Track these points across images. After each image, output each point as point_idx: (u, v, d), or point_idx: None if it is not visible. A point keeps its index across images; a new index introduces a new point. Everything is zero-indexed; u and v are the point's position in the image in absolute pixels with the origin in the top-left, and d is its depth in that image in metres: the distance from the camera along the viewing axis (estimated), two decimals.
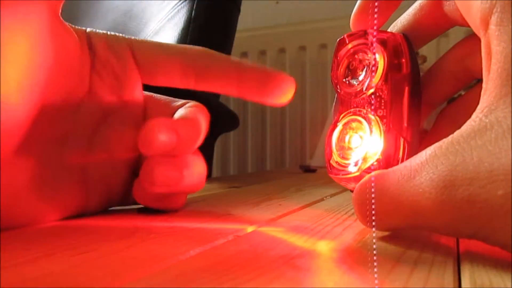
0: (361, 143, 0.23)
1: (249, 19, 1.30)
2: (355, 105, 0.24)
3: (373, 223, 0.19)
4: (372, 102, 0.23)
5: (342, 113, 0.24)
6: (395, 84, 0.22)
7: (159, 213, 0.26)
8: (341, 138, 0.24)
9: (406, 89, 0.22)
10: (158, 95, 0.26)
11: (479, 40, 0.18)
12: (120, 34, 0.24)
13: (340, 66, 0.24)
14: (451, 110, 0.25)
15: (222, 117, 0.71)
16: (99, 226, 0.23)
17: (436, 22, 0.24)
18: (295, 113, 1.29)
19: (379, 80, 0.22)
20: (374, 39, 0.23)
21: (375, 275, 0.14)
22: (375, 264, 0.16)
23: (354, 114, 0.23)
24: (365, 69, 0.23)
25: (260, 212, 0.27)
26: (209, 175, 0.79)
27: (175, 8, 0.73)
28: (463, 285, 0.14)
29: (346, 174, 0.23)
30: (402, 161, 0.22)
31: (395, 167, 0.19)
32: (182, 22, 0.70)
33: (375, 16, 0.23)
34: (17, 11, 0.18)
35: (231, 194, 0.39)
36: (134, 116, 0.25)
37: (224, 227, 0.22)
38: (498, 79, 0.16)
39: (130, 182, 0.26)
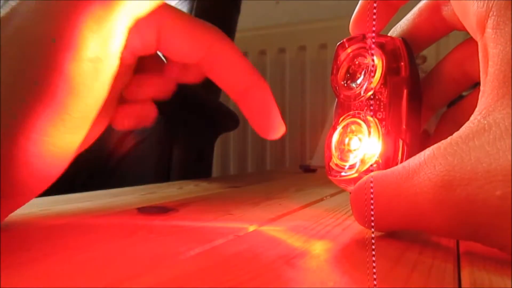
0: (360, 145, 0.23)
1: (249, 19, 1.30)
2: (354, 108, 0.24)
3: (372, 224, 0.19)
4: (371, 104, 0.23)
5: (341, 116, 0.24)
6: (394, 87, 0.23)
7: (159, 213, 0.26)
8: (340, 141, 0.24)
9: (405, 92, 0.23)
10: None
11: (477, 43, 0.18)
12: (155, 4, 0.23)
13: (339, 70, 0.25)
14: (452, 113, 0.25)
15: (222, 117, 0.71)
16: (99, 226, 0.23)
17: (435, 27, 0.24)
18: (295, 113, 1.29)
19: (377, 83, 0.23)
20: (373, 43, 0.23)
21: (375, 276, 0.14)
22: (374, 264, 0.16)
23: (353, 116, 0.24)
24: (363, 72, 0.24)
25: (260, 212, 0.27)
26: (209, 175, 0.79)
27: None
28: (463, 285, 0.14)
29: (344, 176, 0.23)
30: (401, 162, 0.22)
31: (393, 168, 0.19)
32: None
33: (374, 20, 0.23)
34: None
35: (231, 194, 0.39)
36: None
37: (224, 227, 0.22)
38: (495, 81, 0.16)
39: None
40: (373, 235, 0.20)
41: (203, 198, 0.35)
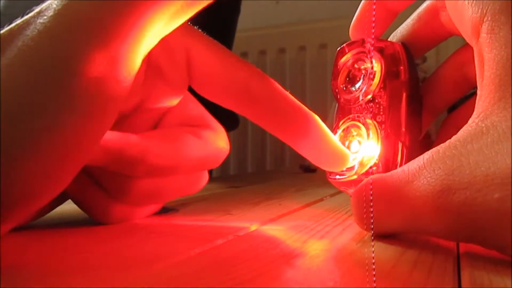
0: (359, 148, 0.23)
1: (249, 19, 1.29)
2: (354, 112, 0.24)
3: (371, 226, 0.19)
4: (370, 108, 0.23)
5: (341, 120, 0.25)
6: (393, 91, 0.23)
7: (159, 213, 0.26)
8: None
9: (404, 95, 0.23)
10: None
11: None
12: (182, 29, 0.18)
13: (340, 75, 0.25)
14: (453, 118, 0.26)
15: (222, 117, 0.71)
16: (99, 226, 0.23)
17: (434, 32, 0.25)
18: None
19: (376, 87, 0.23)
20: (372, 47, 0.23)
21: (375, 276, 0.14)
22: (374, 264, 0.16)
23: (353, 120, 0.24)
24: (362, 76, 0.24)
25: (260, 212, 0.27)
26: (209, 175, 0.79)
27: None
28: (463, 285, 0.14)
29: (342, 178, 0.23)
30: (401, 165, 0.22)
31: (393, 171, 0.19)
32: None
33: (373, 25, 0.23)
34: None
35: (231, 194, 0.39)
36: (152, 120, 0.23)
37: (224, 227, 0.22)
38: (491, 85, 0.17)
39: None
40: (373, 236, 0.21)
41: (203, 198, 0.35)
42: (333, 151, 0.21)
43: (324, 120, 0.22)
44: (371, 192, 0.19)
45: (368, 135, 0.23)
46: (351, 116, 0.24)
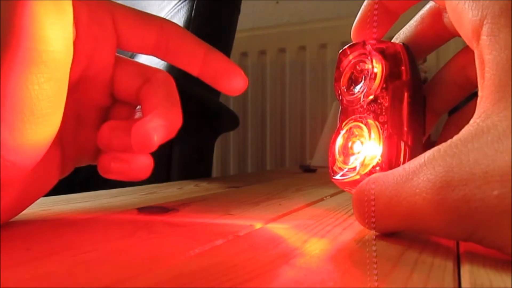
0: (362, 148, 0.23)
1: (249, 19, 1.30)
2: (357, 113, 0.24)
3: (373, 225, 0.19)
4: (372, 108, 0.23)
5: (344, 121, 0.25)
6: (395, 91, 0.23)
7: (159, 213, 0.26)
8: (344, 145, 0.25)
9: (406, 95, 0.23)
10: (126, 58, 0.26)
11: None
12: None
13: (342, 77, 0.25)
14: (456, 118, 0.26)
15: (222, 117, 0.71)
16: (99, 226, 0.23)
17: (437, 33, 0.25)
18: (295, 113, 1.29)
19: (378, 88, 0.23)
20: (372, 49, 0.23)
21: (375, 276, 0.14)
22: (375, 264, 0.16)
23: (355, 120, 0.24)
24: (364, 77, 0.24)
25: (260, 212, 0.27)
26: (209, 175, 0.79)
27: (175, 8, 0.73)
28: (463, 285, 0.14)
29: (346, 179, 0.23)
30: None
31: (394, 170, 0.19)
32: (182, 22, 0.70)
33: (374, 27, 0.24)
34: None
35: (231, 194, 0.39)
36: (103, 80, 0.25)
37: (224, 227, 0.22)
38: (492, 86, 0.17)
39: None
40: (374, 236, 0.21)
41: (203, 198, 0.35)
42: (237, 73, 0.25)
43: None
44: (372, 191, 0.19)
45: (369, 135, 0.23)
46: (353, 117, 0.24)
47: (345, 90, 0.25)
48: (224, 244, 0.19)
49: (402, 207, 0.18)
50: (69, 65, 0.19)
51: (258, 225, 0.23)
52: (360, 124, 0.24)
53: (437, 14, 0.24)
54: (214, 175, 1.19)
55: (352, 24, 0.25)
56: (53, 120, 0.19)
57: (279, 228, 0.22)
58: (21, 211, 0.22)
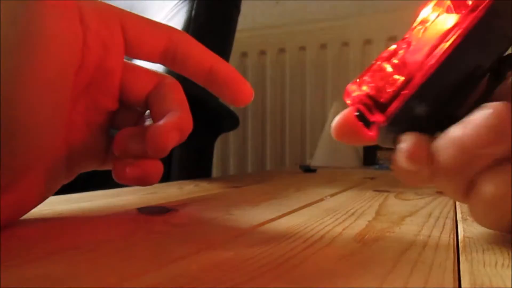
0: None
1: (249, 19, 1.30)
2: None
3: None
4: None
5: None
6: None
7: (159, 213, 0.26)
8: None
9: None
10: (135, 64, 0.26)
11: None
12: (112, 5, 0.25)
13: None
14: None
15: (222, 117, 0.71)
16: (99, 226, 0.23)
17: None
18: (295, 113, 1.29)
19: None
20: None
21: (375, 276, 0.14)
22: (375, 264, 0.16)
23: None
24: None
25: (260, 212, 0.27)
26: (209, 175, 0.79)
27: (175, 8, 0.73)
28: (463, 285, 0.14)
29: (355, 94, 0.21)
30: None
31: None
32: (182, 22, 0.70)
33: None
34: None
35: (231, 194, 0.39)
36: (112, 85, 0.25)
37: (224, 227, 0.22)
38: None
39: (107, 144, 0.26)
40: (374, 235, 0.21)
41: (203, 198, 0.35)
42: (243, 86, 0.26)
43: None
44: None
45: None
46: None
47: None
48: (224, 244, 0.19)
49: None
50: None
51: (258, 225, 0.23)
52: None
53: None
54: (214, 175, 1.19)
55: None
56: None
57: (279, 228, 0.22)
58: (23, 215, 0.22)
